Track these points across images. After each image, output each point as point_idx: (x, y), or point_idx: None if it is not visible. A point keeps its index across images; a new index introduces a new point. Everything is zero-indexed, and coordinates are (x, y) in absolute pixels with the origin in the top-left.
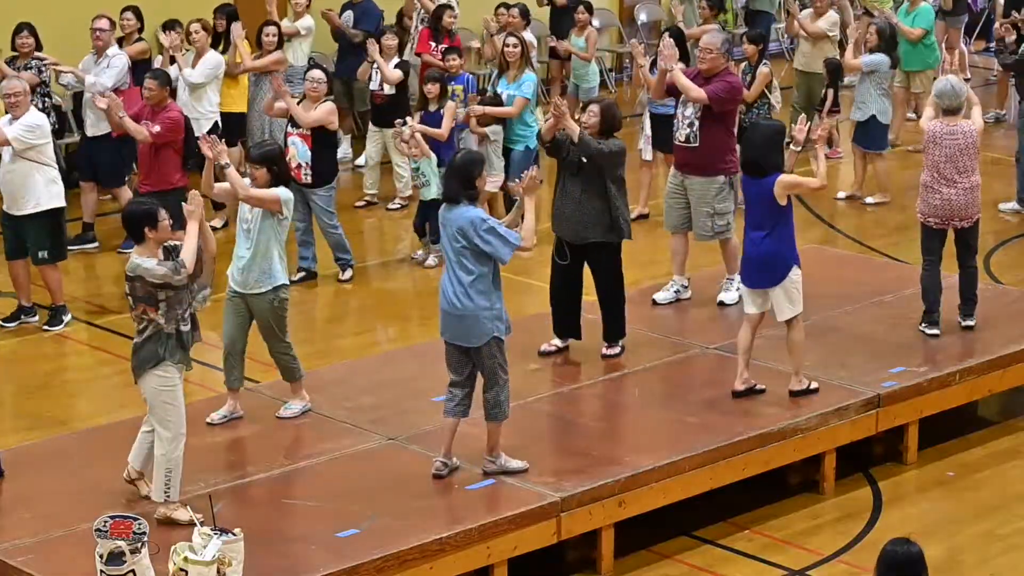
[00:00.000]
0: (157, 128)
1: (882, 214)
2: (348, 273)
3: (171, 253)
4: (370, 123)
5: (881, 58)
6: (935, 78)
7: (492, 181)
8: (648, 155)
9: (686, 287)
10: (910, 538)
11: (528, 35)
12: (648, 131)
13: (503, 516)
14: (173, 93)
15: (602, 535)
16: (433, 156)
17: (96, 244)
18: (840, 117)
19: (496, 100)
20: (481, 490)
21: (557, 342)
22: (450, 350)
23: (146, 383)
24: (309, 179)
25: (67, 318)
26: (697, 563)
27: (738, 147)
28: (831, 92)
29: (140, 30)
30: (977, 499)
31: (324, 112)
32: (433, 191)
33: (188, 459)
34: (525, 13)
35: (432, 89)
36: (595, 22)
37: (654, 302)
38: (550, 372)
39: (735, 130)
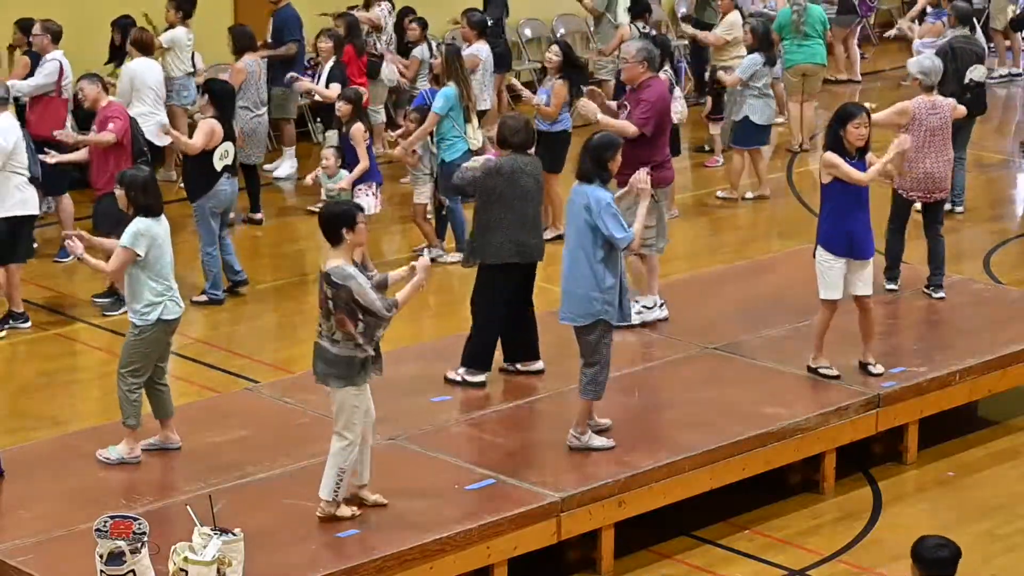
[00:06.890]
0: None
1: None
2: (204, 297)
3: (363, 271)
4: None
5: (753, 59)
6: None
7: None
8: None
9: (662, 305)
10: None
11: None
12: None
13: (503, 516)
14: (105, 88)
15: (602, 535)
16: (343, 173)
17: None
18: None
19: (423, 111)
20: (481, 490)
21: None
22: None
23: (336, 394)
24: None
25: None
26: (697, 563)
27: None
28: (711, 98)
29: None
30: (977, 499)
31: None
32: None
33: (188, 460)
34: (425, 25)
35: (344, 108)
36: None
37: None
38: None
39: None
